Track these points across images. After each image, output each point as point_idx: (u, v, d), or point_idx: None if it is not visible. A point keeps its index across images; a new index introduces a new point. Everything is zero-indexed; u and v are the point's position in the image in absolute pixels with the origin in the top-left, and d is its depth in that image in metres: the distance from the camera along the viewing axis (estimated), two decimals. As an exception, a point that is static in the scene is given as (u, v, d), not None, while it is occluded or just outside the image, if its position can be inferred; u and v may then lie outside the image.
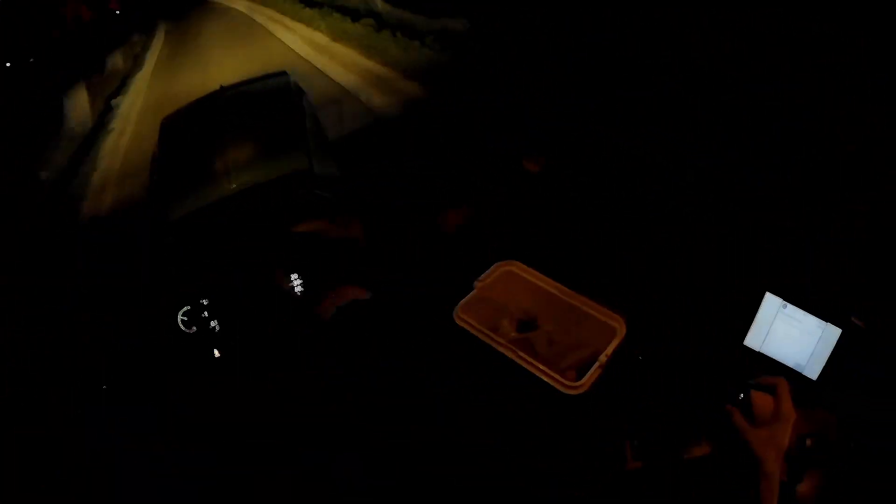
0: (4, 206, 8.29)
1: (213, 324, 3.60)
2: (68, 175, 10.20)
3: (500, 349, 2.28)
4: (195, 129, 5.28)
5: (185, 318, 3.60)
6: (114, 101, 14.06)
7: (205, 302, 3.58)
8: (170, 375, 3.58)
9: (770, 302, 1.95)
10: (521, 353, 2.27)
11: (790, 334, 1.89)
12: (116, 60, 17.18)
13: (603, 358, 2.17)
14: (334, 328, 2.82)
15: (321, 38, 14.01)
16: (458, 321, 2.41)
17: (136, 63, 18.28)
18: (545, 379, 2.20)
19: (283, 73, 5.92)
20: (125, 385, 3.63)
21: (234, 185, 4.42)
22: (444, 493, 2.35)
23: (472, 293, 2.50)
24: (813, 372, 1.83)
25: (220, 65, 14.33)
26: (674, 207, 3.36)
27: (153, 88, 15.02)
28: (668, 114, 5.05)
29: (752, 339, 1.98)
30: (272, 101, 5.37)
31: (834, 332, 1.78)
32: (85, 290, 5.85)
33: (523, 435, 2.24)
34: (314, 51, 13.03)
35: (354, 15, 13.57)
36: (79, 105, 12.61)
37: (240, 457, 2.99)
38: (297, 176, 4.36)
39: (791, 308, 1.89)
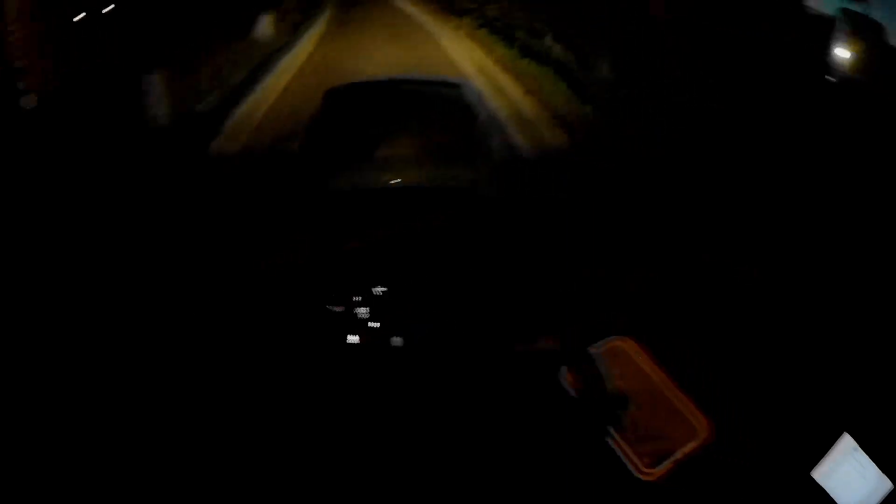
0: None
1: (361, 311, 3.60)
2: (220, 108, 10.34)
3: None
4: (364, 110, 5.20)
5: (337, 298, 3.63)
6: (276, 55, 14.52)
7: (375, 291, 3.62)
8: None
9: (845, 442, 2.14)
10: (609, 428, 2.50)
11: (850, 476, 2.09)
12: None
13: (680, 455, 2.38)
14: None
15: (492, 65, 14.08)
16: (561, 380, 2.66)
17: (306, 21, 18.88)
18: (622, 457, 2.43)
19: (460, 85, 5.84)
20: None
21: (397, 180, 4.53)
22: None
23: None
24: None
25: (387, 57, 14.55)
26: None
27: (314, 52, 15.42)
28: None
29: (819, 472, 2.18)
30: (449, 108, 5.28)
31: (886, 486, 1.97)
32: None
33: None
34: (481, 74, 13.17)
35: (535, 55, 13.35)
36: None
37: (240, 456, 3.02)
38: (461, 192, 4.35)
39: (861, 452, 2.08)
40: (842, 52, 5.87)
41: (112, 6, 8.86)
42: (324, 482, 2.80)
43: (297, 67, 13.90)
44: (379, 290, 3.62)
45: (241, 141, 9.33)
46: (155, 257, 4.90)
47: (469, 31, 17.05)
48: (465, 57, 14.75)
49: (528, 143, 9.15)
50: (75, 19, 8.13)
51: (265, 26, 14.91)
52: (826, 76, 5.91)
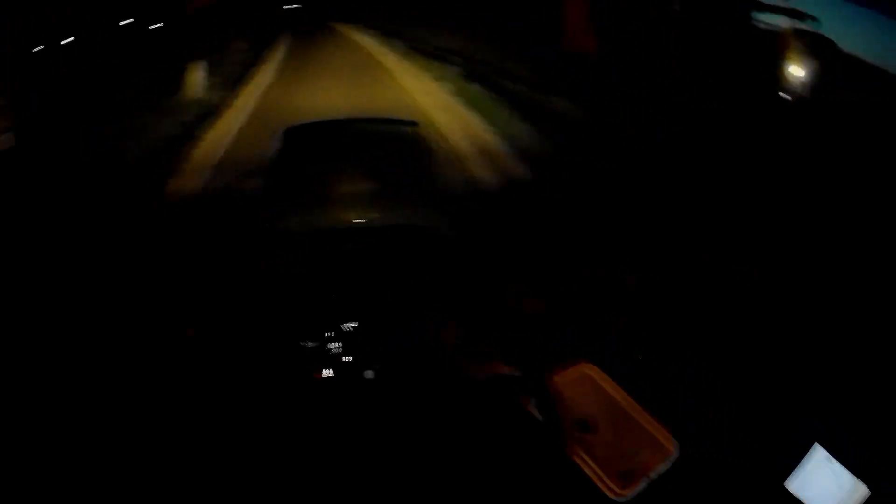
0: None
1: (332, 346, 3.59)
2: (166, 148, 10.10)
3: None
4: (322, 149, 5.26)
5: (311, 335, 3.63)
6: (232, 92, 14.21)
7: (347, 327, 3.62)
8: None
9: (816, 452, 2.11)
10: (579, 452, 2.48)
11: (825, 485, 2.05)
12: (240, 48, 17.50)
13: (651, 474, 2.39)
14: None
15: (447, 97, 13.76)
16: (528, 408, 2.60)
17: (257, 62, 18.53)
18: (594, 480, 2.40)
19: (415, 123, 5.86)
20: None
21: (358, 220, 4.57)
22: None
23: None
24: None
25: (341, 93, 14.49)
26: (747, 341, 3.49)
27: (270, 93, 15.06)
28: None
29: (793, 483, 2.14)
30: (404, 146, 5.36)
31: (862, 491, 1.94)
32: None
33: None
34: (438, 108, 12.94)
35: (492, 86, 13.03)
36: (196, 81, 12.83)
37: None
38: (420, 230, 4.41)
39: (832, 460, 2.05)
40: (795, 70, 5.94)
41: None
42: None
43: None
44: (349, 325, 3.62)
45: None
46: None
47: (456, 85, 14.39)
48: (428, 95, 13.64)
49: (489, 176, 9.15)
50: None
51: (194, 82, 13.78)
52: (780, 93, 5.98)
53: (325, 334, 3.61)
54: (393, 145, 5.40)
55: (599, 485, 2.39)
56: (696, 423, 2.72)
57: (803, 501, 2.13)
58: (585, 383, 2.80)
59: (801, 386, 2.96)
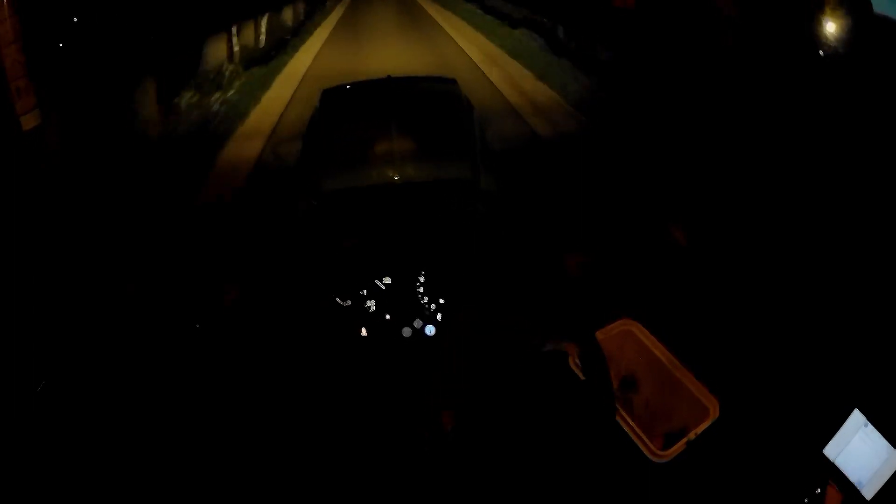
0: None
1: (369, 303, 3.65)
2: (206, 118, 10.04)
3: None
4: (360, 109, 5.34)
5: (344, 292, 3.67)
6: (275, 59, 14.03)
7: (381, 283, 3.66)
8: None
9: (855, 418, 2.16)
10: (620, 410, 2.47)
11: (862, 451, 2.12)
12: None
13: (692, 435, 2.38)
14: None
15: (498, 51, 14.09)
16: (571, 365, 2.60)
17: (309, 21, 18.68)
18: (634, 439, 2.42)
19: (454, 81, 5.88)
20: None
21: (398, 177, 4.63)
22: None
23: None
24: (869, 492, 2.07)
25: (395, 51, 14.74)
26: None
27: (322, 54, 15.25)
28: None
29: (830, 449, 2.21)
30: (443, 104, 5.38)
31: (898, 460, 1.81)
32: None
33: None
34: (489, 62, 13.19)
35: (538, 32, 13.34)
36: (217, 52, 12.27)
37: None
38: (461, 184, 4.44)
39: (870, 427, 2.11)
40: (829, 26, 5.78)
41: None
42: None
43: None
44: (385, 282, 3.70)
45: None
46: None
47: (509, 38, 15.06)
48: (480, 51, 14.15)
49: (544, 128, 9.11)
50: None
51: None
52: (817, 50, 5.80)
53: (362, 292, 3.67)
54: (435, 102, 5.45)
55: (640, 445, 2.40)
56: (736, 383, 2.70)
57: (839, 467, 2.14)
58: (628, 340, 2.76)
59: (843, 351, 2.89)
